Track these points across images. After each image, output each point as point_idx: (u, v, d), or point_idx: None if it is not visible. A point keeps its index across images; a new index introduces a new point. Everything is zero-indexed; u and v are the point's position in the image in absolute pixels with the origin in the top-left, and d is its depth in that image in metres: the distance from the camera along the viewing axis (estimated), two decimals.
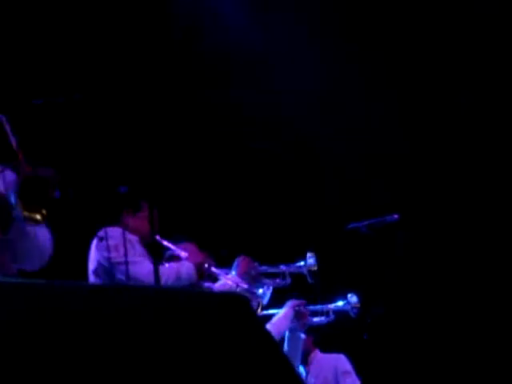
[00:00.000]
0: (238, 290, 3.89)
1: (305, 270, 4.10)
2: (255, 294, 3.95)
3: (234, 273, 3.92)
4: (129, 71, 5.19)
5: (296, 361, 4.37)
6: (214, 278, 3.89)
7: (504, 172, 6.51)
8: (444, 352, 6.19)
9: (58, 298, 1.54)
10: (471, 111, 6.31)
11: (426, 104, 6.36)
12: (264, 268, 4.05)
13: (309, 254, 4.13)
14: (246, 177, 5.85)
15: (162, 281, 3.53)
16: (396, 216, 4.49)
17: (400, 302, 6.22)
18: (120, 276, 3.48)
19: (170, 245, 3.78)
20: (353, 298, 4.47)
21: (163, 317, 1.59)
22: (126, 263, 3.42)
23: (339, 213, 5.23)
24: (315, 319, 4.41)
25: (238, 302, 1.71)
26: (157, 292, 1.81)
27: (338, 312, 4.44)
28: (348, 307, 4.41)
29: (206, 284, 3.90)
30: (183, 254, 3.73)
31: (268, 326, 4.26)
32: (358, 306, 4.41)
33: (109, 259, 3.49)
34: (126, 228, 3.55)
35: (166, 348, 1.55)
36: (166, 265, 3.72)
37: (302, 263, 4.12)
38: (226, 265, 3.95)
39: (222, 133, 5.76)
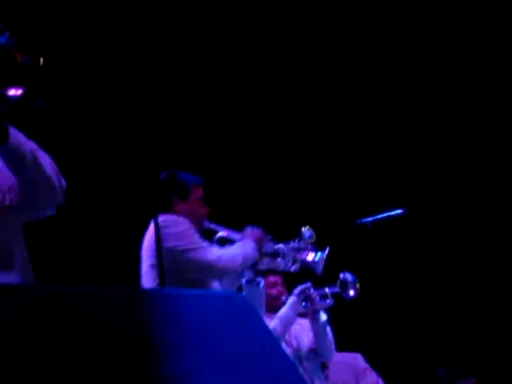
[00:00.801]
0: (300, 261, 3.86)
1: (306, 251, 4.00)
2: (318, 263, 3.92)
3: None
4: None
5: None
6: (272, 254, 3.85)
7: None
8: (453, 348, 6.15)
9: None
10: (479, 104, 6.29)
11: (433, 97, 6.33)
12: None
13: (304, 229, 4.04)
14: (254, 171, 5.82)
15: (229, 264, 3.48)
16: (402, 210, 4.46)
17: (406, 296, 6.19)
18: (187, 264, 3.39)
19: (222, 228, 3.73)
20: (346, 276, 4.34)
21: (165, 319, 1.55)
22: (194, 249, 3.37)
23: (346, 208, 5.19)
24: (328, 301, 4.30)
25: (239, 303, 1.67)
26: (156, 294, 1.77)
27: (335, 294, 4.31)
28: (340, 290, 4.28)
29: (266, 260, 3.84)
30: (238, 236, 3.67)
31: (275, 322, 4.22)
32: (355, 285, 4.28)
33: (175, 248, 3.39)
34: (179, 215, 3.50)
35: (167, 350, 1.51)
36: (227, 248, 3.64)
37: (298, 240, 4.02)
38: None
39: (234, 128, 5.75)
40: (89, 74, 4.79)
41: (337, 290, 4.35)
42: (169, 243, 3.36)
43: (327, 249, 3.95)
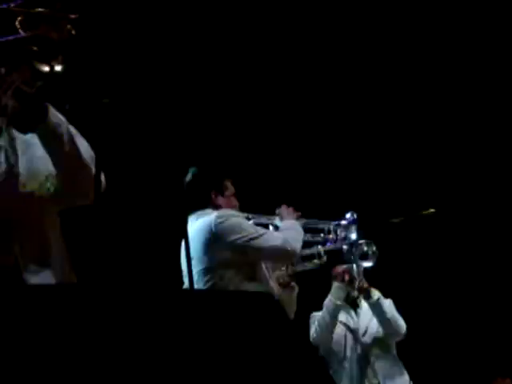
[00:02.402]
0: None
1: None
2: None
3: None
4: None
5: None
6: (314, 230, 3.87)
7: None
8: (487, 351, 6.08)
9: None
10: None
11: (463, 96, 6.27)
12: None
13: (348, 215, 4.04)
14: (285, 167, 5.81)
15: (296, 244, 3.51)
16: (432, 210, 4.43)
17: (438, 297, 6.14)
18: (254, 253, 3.41)
19: (256, 215, 3.76)
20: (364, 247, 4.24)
21: (193, 319, 1.56)
22: (259, 237, 3.39)
23: (375, 208, 5.17)
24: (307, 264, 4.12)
25: (267, 301, 1.68)
26: (187, 293, 1.78)
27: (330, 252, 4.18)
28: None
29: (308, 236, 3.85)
30: (279, 223, 3.68)
31: (323, 311, 4.19)
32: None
33: (239, 239, 3.40)
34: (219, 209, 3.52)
35: (195, 349, 1.51)
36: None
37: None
38: None
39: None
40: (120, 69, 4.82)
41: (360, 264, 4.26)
42: (231, 236, 3.37)
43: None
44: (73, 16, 1.94)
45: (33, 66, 1.93)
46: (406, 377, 4.37)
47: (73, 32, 1.93)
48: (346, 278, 4.33)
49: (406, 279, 5.66)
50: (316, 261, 4.02)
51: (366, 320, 4.41)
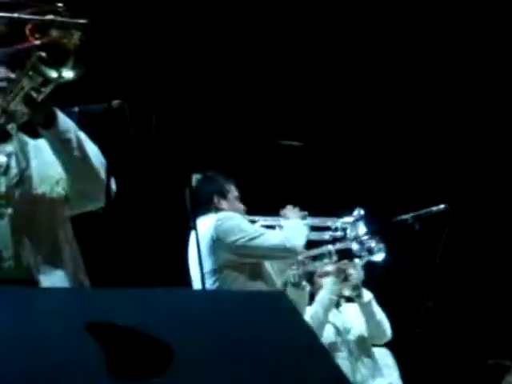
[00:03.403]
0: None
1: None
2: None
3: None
4: None
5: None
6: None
7: None
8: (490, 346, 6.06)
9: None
10: None
11: (475, 93, 6.26)
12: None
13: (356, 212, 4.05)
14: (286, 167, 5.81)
15: (297, 241, 3.53)
16: (443, 206, 4.40)
17: (450, 295, 6.12)
18: (255, 253, 3.45)
19: (261, 217, 3.78)
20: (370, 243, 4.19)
21: (205, 318, 1.57)
22: (259, 236, 3.41)
23: (386, 205, 5.16)
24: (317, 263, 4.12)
25: (279, 300, 1.68)
26: (198, 293, 1.79)
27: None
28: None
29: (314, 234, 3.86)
30: (283, 222, 3.70)
31: (315, 306, 4.19)
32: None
33: (239, 240, 3.44)
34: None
35: (207, 349, 1.52)
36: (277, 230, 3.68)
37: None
38: None
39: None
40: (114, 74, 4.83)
41: (366, 258, 4.22)
42: (230, 237, 3.41)
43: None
44: (80, 23, 1.95)
45: (43, 73, 1.94)
46: (388, 379, 4.35)
47: (83, 38, 1.95)
48: (342, 274, 4.29)
49: (413, 277, 5.64)
50: (326, 260, 4.02)
51: (350, 319, 4.39)
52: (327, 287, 4.23)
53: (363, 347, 4.29)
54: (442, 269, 5.05)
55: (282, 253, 3.55)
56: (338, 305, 4.41)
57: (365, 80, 6.05)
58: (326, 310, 4.20)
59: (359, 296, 4.29)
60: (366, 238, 4.14)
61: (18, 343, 1.38)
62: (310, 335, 1.66)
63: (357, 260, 4.23)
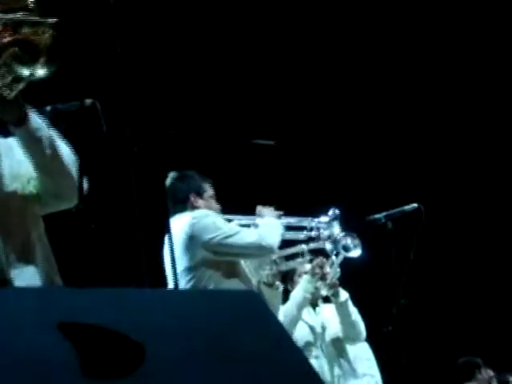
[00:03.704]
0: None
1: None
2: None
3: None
4: None
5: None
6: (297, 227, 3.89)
7: None
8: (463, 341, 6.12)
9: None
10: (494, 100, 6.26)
11: (449, 92, 6.32)
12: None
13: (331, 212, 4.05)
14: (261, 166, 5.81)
15: (272, 240, 3.53)
16: (416, 205, 4.43)
17: (423, 294, 6.17)
18: (230, 251, 3.46)
19: (237, 216, 3.78)
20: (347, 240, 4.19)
21: (177, 318, 1.56)
22: (234, 234, 3.41)
23: (358, 204, 5.19)
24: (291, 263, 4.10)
25: (252, 300, 1.68)
26: (170, 293, 1.79)
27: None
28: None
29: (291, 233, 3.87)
30: (258, 220, 3.69)
31: (289, 303, 4.19)
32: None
33: (214, 238, 3.42)
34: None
35: (179, 348, 1.52)
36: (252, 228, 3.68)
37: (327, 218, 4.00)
38: None
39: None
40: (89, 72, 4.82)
41: (342, 255, 4.21)
42: (206, 235, 3.42)
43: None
44: (52, 21, 1.94)
45: (14, 70, 1.93)
46: (363, 380, 4.37)
47: (53, 36, 1.94)
48: (319, 272, 4.30)
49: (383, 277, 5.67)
50: (300, 260, 4.04)
51: (325, 318, 4.40)
52: (302, 285, 4.25)
53: (338, 348, 4.31)
54: (416, 267, 5.10)
55: (257, 251, 3.57)
56: (315, 305, 4.42)
57: (337, 79, 6.08)
58: (300, 307, 4.22)
59: (336, 295, 4.30)
60: (341, 235, 4.16)
61: None
62: (283, 334, 1.67)
63: (333, 258, 4.25)
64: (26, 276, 2.05)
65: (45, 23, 1.93)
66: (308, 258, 4.05)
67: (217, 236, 3.45)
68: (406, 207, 4.43)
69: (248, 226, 3.80)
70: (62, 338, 1.41)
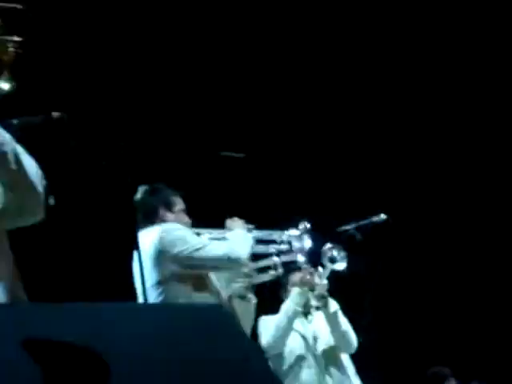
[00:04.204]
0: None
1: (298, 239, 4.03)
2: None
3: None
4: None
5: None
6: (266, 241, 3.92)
7: (499, 172, 6.52)
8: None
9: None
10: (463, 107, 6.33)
11: (416, 102, 6.37)
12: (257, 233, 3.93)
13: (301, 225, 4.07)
14: (233, 178, 5.82)
15: (241, 251, 3.53)
16: (384, 216, 4.47)
17: (391, 304, 6.20)
18: (199, 264, 3.44)
19: (206, 230, 3.78)
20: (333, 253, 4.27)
21: (143, 332, 1.56)
22: (202, 247, 3.40)
23: (327, 216, 5.21)
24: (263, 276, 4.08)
25: (220, 315, 1.68)
26: (137, 307, 1.78)
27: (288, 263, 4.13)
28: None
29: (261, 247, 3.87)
30: (228, 234, 3.69)
31: (279, 315, 4.19)
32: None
33: (183, 251, 3.41)
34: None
35: (144, 363, 1.52)
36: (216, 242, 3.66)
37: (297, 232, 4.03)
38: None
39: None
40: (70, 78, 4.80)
41: (329, 267, 4.29)
42: (175, 249, 3.41)
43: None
44: (17, 39, 1.94)
45: None
46: None
47: (18, 52, 1.93)
48: (307, 283, 4.35)
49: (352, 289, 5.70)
50: (272, 272, 4.05)
51: (317, 328, 4.42)
52: (292, 298, 4.30)
53: (331, 357, 4.33)
54: (384, 278, 5.14)
55: (226, 264, 3.57)
56: (307, 314, 4.45)
57: (302, 90, 6.11)
58: (290, 320, 4.26)
59: (325, 306, 4.34)
60: (327, 247, 4.24)
61: None
62: (250, 348, 1.67)
63: (321, 269, 4.30)
64: None
65: (10, 40, 1.92)
66: (280, 270, 4.06)
67: (185, 249, 3.45)
68: (375, 218, 4.47)
69: (218, 239, 3.80)
70: (27, 354, 1.40)
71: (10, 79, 1.93)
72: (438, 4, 5.86)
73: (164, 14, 5.48)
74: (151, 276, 3.41)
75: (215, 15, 5.59)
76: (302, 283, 4.35)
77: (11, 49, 1.91)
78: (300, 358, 4.28)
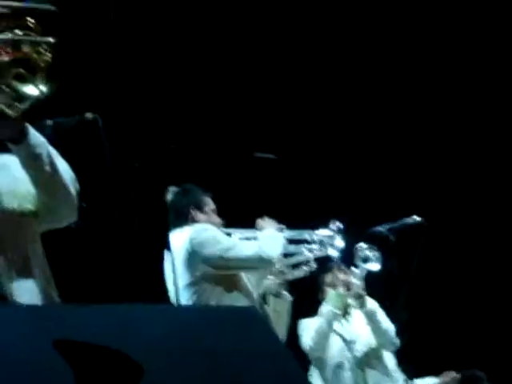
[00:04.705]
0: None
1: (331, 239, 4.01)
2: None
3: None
4: None
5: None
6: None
7: None
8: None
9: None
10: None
11: (454, 105, 6.31)
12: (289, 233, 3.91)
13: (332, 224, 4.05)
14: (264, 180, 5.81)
15: (272, 251, 3.53)
16: (418, 219, 4.42)
17: (424, 306, 6.15)
18: (231, 264, 3.46)
19: (237, 230, 3.78)
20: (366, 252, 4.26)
21: (175, 335, 1.55)
22: (233, 248, 3.40)
23: (360, 216, 5.18)
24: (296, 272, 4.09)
25: (253, 318, 1.67)
26: (170, 309, 1.78)
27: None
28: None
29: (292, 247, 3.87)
30: (259, 234, 3.68)
31: (318, 318, 4.15)
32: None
33: (214, 252, 3.43)
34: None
35: (177, 366, 1.51)
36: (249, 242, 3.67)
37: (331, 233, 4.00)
38: None
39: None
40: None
41: (363, 267, 4.26)
42: (205, 250, 3.42)
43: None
44: (52, 40, 1.94)
45: (16, 89, 1.93)
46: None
47: (54, 54, 1.94)
48: (344, 285, 4.33)
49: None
50: (305, 268, 4.03)
51: (357, 329, 4.39)
52: (330, 300, 4.27)
53: (372, 357, 4.30)
54: (418, 279, 5.09)
55: (258, 263, 3.56)
56: (345, 313, 4.42)
57: (338, 91, 6.09)
58: (330, 323, 4.24)
59: (363, 305, 4.31)
60: (362, 247, 4.22)
61: None
62: (281, 351, 1.66)
63: (356, 270, 4.28)
64: (25, 291, 2.05)
65: (45, 42, 1.93)
66: (314, 266, 4.05)
67: (216, 250, 3.45)
68: (408, 220, 4.43)
69: (249, 239, 3.80)
70: (58, 355, 1.40)
71: (46, 82, 1.94)
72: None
73: (196, 17, 5.50)
74: (183, 277, 3.42)
75: (247, 16, 5.60)
76: (336, 282, 4.33)
77: (47, 51, 1.92)
78: (341, 361, 4.25)
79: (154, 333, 1.53)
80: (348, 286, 4.33)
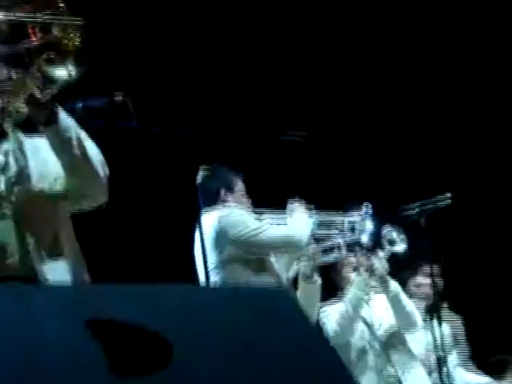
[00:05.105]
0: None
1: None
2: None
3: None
4: None
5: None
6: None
7: None
8: None
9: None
10: None
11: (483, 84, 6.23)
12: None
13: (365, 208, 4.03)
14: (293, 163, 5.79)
15: (302, 233, 3.54)
16: (447, 199, 4.37)
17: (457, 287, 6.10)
18: (261, 245, 3.47)
19: (271, 212, 3.79)
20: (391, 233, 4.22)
21: (206, 315, 1.56)
22: (264, 230, 3.41)
23: (390, 197, 5.14)
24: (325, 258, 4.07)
25: (284, 299, 1.67)
26: (200, 290, 1.78)
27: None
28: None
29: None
30: (288, 217, 3.71)
31: (344, 304, 4.17)
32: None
33: (244, 234, 3.43)
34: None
35: (207, 345, 1.51)
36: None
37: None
38: None
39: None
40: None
41: (388, 249, 4.25)
42: (234, 231, 3.42)
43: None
44: (80, 22, 1.95)
45: (47, 73, 1.94)
46: (423, 369, 4.31)
47: (84, 37, 1.95)
48: (368, 269, 4.28)
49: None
50: (336, 253, 4.02)
51: (379, 312, 4.35)
52: (356, 286, 4.20)
53: (395, 339, 4.26)
54: (448, 262, 5.05)
55: (287, 246, 3.56)
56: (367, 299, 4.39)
57: (366, 72, 6.04)
58: (356, 308, 4.19)
59: (386, 288, 4.26)
60: (386, 229, 4.19)
61: (18, 341, 1.38)
62: (313, 332, 1.66)
63: (379, 252, 4.24)
64: (57, 272, 2.07)
65: (74, 25, 1.93)
66: (344, 251, 4.03)
67: (246, 232, 3.45)
68: (439, 202, 4.38)
69: (278, 221, 3.79)
70: (90, 335, 1.41)
71: (76, 65, 1.95)
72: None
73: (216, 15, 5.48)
74: (211, 258, 3.43)
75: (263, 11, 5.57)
76: (359, 267, 4.27)
77: (77, 34, 1.92)
78: (364, 345, 4.21)
79: (185, 312, 1.53)
80: (371, 269, 4.28)
